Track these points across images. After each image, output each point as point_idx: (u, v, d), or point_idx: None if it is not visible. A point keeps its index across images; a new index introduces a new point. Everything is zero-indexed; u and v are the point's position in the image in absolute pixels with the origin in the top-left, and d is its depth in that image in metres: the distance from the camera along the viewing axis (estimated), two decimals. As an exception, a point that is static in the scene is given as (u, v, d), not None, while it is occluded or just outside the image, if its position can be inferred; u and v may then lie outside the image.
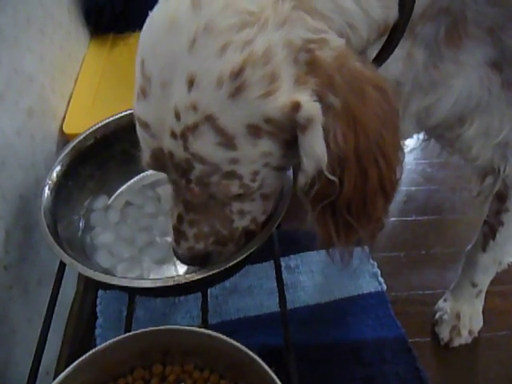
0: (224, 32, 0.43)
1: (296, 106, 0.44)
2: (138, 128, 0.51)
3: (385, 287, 1.06)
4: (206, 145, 0.47)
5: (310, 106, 0.44)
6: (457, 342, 0.98)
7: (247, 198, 0.55)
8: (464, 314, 0.98)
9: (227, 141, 0.46)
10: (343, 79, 0.45)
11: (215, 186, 0.50)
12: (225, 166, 0.48)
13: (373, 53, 0.55)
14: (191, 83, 0.44)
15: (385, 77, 0.51)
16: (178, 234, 0.59)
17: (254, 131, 0.46)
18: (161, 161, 0.51)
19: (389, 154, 0.48)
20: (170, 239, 0.62)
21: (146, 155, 0.52)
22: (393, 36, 0.53)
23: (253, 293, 1.06)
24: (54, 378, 0.57)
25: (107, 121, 0.81)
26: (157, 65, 0.46)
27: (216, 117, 0.45)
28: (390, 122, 0.48)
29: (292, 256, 1.12)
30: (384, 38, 0.53)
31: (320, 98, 0.45)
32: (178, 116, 0.46)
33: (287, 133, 0.48)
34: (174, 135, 0.47)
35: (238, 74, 0.43)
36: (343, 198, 0.49)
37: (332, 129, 0.45)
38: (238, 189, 0.51)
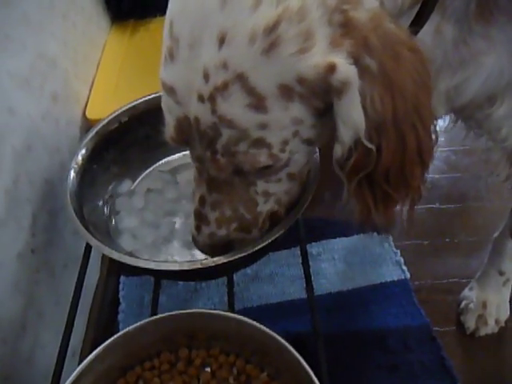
0: None
1: (331, 68, 0.43)
2: (164, 96, 0.49)
3: (408, 275, 1.05)
4: (235, 106, 0.45)
5: (346, 69, 0.43)
6: (483, 332, 0.96)
7: (274, 176, 0.53)
8: (491, 303, 0.96)
9: (258, 102, 0.45)
10: (378, 40, 0.43)
11: (242, 156, 0.48)
12: (253, 132, 0.46)
13: (405, 24, 0.53)
14: (222, 40, 0.43)
15: None
16: (200, 219, 0.56)
17: (286, 92, 0.45)
18: (186, 132, 0.49)
19: (425, 117, 0.47)
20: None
21: (169, 127, 0.50)
22: (425, 5, 0.51)
23: (274, 280, 1.06)
24: (80, 361, 0.57)
25: (132, 105, 0.80)
26: (186, 24, 0.45)
27: (247, 75, 0.43)
28: (424, 84, 0.46)
29: (314, 243, 1.11)
30: (416, 9, 0.51)
31: (355, 60, 0.43)
32: (206, 77, 0.44)
33: (319, 98, 0.46)
34: (201, 98, 0.45)
35: (272, 29, 0.42)
36: (381, 168, 0.47)
37: (369, 93, 0.44)
38: (267, 159, 0.48)
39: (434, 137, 0.49)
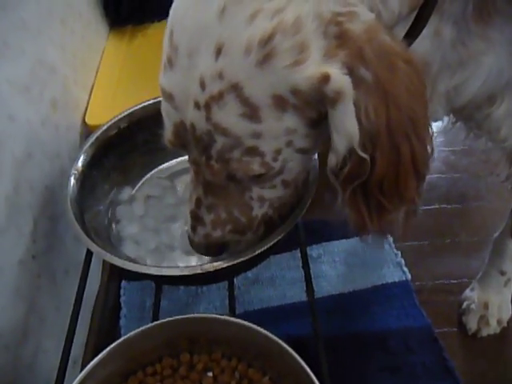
0: (254, 0, 0.43)
1: (325, 78, 0.43)
2: (163, 101, 0.50)
3: (409, 276, 1.05)
4: (229, 115, 0.46)
5: (340, 79, 0.43)
6: (485, 332, 0.96)
7: (268, 183, 0.54)
8: (492, 304, 0.96)
9: (251, 112, 0.45)
10: (373, 52, 0.44)
11: (236, 163, 0.49)
12: (247, 141, 0.47)
13: (402, 31, 0.53)
14: (219, 51, 0.44)
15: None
16: (196, 220, 0.57)
17: (280, 103, 0.45)
18: (182, 136, 0.50)
19: (420, 128, 0.47)
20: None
21: (168, 131, 0.52)
22: (423, 11, 0.51)
23: (275, 283, 1.06)
24: (82, 367, 0.57)
25: (131, 111, 0.81)
26: (185, 34, 0.46)
27: (242, 86, 0.44)
28: (420, 96, 0.47)
29: (314, 246, 1.11)
30: (413, 15, 0.52)
31: (350, 71, 0.44)
32: (203, 85, 0.45)
33: (313, 109, 0.46)
34: (197, 106, 0.47)
35: (267, 41, 0.43)
36: (375, 178, 0.47)
37: (363, 103, 0.44)
38: (259, 167, 0.49)
39: (429, 148, 0.49)
